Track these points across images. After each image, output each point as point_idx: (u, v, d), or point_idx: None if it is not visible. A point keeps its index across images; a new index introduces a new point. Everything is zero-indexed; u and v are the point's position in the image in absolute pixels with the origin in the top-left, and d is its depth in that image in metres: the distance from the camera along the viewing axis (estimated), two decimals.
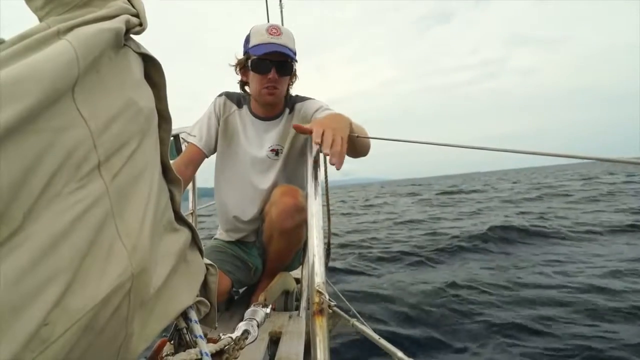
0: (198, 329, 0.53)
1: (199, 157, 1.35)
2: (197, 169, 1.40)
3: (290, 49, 1.25)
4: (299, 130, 1.10)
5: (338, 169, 0.94)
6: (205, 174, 1.43)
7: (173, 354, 0.51)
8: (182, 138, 1.40)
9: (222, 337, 0.60)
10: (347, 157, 1.25)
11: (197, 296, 0.57)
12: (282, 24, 2.47)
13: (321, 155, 1.08)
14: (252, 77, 1.29)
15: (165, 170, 0.48)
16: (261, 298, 1.18)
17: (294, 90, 1.42)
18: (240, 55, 1.33)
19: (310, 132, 1.02)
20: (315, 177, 1.02)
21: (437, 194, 15.87)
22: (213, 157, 1.43)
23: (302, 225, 1.25)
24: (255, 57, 1.24)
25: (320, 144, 0.96)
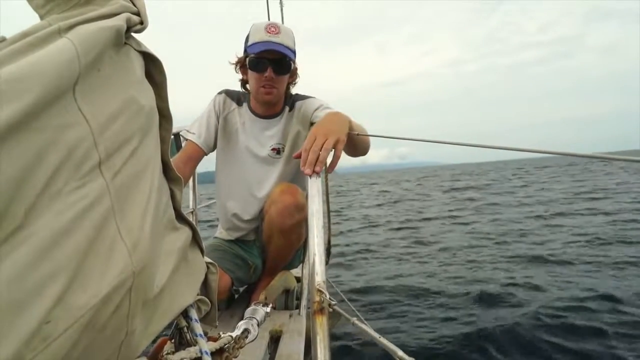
0: (198, 327, 0.53)
1: (198, 155, 1.35)
2: (196, 166, 1.40)
3: (288, 48, 1.24)
4: (296, 157, 1.06)
5: (307, 174, 0.94)
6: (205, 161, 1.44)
7: (173, 353, 0.51)
8: (181, 135, 1.40)
9: (222, 335, 0.60)
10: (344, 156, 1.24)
11: (198, 295, 0.57)
12: (282, 22, 2.47)
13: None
14: (250, 75, 1.30)
15: (166, 168, 0.48)
16: (261, 297, 1.18)
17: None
18: (241, 54, 1.33)
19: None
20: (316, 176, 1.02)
21: None
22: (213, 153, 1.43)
23: (302, 223, 1.25)
24: (252, 56, 1.24)
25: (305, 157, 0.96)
